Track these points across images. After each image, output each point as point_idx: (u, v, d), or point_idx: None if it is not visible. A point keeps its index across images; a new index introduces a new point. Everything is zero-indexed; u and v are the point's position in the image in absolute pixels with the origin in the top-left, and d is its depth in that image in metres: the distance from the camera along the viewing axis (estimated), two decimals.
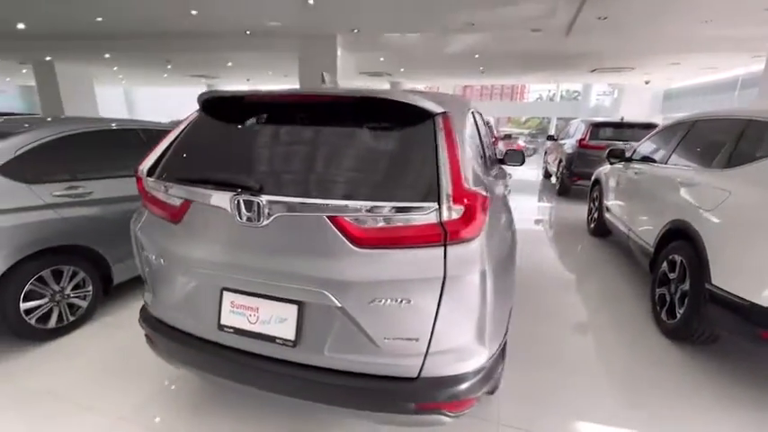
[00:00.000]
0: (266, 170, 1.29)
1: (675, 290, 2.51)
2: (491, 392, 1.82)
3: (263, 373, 1.30)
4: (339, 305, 1.18)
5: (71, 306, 2.48)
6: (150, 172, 1.48)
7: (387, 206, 1.13)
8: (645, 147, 4.01)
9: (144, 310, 1.61)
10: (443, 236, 1.15)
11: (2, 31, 8.34)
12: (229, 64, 11.86)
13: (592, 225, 5.09)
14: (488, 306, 1.22)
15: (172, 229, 1.42)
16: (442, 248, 1.16)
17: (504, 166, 3.82)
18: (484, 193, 1.25)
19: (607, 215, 4.45)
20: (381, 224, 1.16)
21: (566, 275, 3.63)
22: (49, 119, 2.87)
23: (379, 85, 18.81)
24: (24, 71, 13.55)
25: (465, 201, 1.15)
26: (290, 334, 1.26)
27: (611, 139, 7.17)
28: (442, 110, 1.30)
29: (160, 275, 1.49)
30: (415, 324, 1.18)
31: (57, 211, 2.39)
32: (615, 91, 21.65)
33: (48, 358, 2.22)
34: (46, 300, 2.34)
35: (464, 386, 1.22)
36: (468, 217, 1.16)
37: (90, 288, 2.57)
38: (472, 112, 1.98)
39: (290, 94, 1.39)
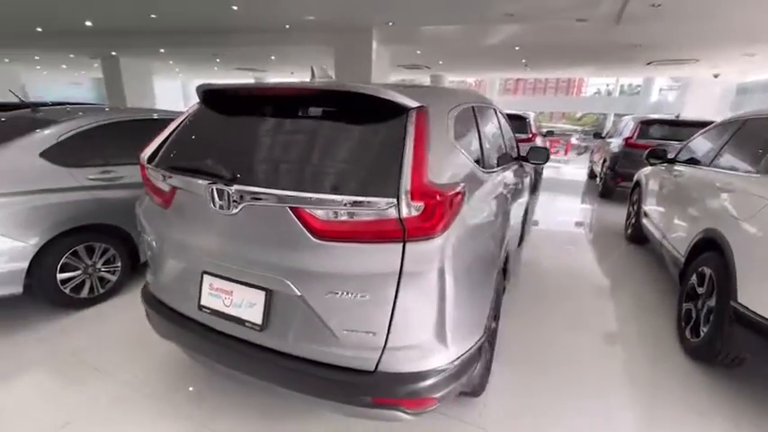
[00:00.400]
0: (240, 160, 1.35)
1: (702, 306, 2.29)
2: (473, 394, 1.78)
3: (233, 354, 1.37)
4: (299, 294, 1.21)
5: (102, 279, 2.75)
6: (150, 159, 1.60)
7: (346, 200, 1.14)
8: (691, 147, 3.66)
9: (145, 288, 1.75)
10: (402, 232, 1.14)
11: (72, 28, 9.28)
12: (272, 57, 12.30)
13: (629, 231, 4.75)
14: (450, 305, 1.20)
15: (163, 213, 1.53)
16: (401, 245, 1.15)
17: (529, 164, 3.71)
18: (453, 191, 1.22)
19: (644, 220, 4.13)
20: (343, 217, 1.17)
21: (596, 282, 3.42)
22: (86, 109, 3.17)
23: (420, 79, 18.59)
24: (95, 65, 14.93)
25: (425, 198, 1.12)
26: (257, 318, 1.32)
27: (664, 138, 6.57)
28: (417, 104, 1.27)
29: (156, 257, 1.61)
30: (372, 318, 1.18)
31: (91, 192, 2.64)
32: (680, 85, 19.77)
33: (76, 325, 2.48)
34: (79, 272, 2.61)
35: (423, 384, 1.22)
36: (428, 214, 1.14)
37: (119, 264, 2.82)
38: (473, 107, 1.92)
39: (269, 87, 1.43)
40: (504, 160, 2.54)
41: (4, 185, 2.30)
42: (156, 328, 1.66)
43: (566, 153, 16.32)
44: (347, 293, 1.16)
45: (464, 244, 1.29)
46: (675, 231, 3.03)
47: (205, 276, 1.42)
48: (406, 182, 1.12)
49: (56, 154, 2.53)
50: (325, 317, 1.21)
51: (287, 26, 8.01)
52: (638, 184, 4.74)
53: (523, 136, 6.93)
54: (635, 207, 4.66)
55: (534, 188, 7.31)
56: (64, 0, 7.05)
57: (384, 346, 1.20)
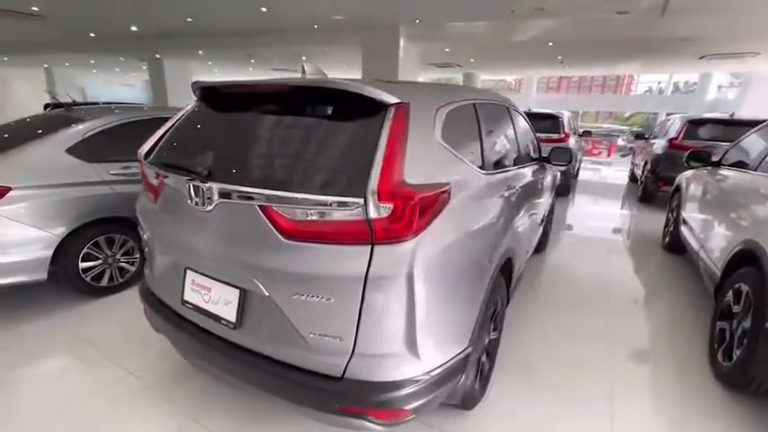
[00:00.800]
0: (218, 157, 1.35)
1: (737, 326, 2.06)
2: (463, 407, 1.70)
3: (210, 350, 1.38)
4: (267, 294, 1.19)
5: (121, 269, 2.90)
6: (147, 155, 1.65)
7: (312, 199, 1.11)
8: (738, 149, 3.31)
9: (143, 283, 1.81)
10: (370, 234, 1.09)
11: (120, 33, 9.97)
12: (303, 58, 12.55)
13: (666, 239, 4.39)
14: (421, 314, 1.14)
15: (153, 209, 1.57)
16: (369, 247, 1.10)
17: (555, 166, 3.51)
18: (429, 192, 1.15)
19: (683, 228, 3.80)
20: (311, 217, 1.14)
21: (626, 293, 3.18)
22: (118, 107, 3.36)
23: (453, 78, 18.25)
24: (144, 68, 15.95)
25: (395, 198, 1.07)
26: (232, 316, 1.32)
27: (714, 139, 6.02)
28: (397, 101, 1.22)
29: (149, 252, 1.66)
30: (338, 322, 1.14)
31: (112, 187, 2.79)
32: (741, 82, 18.07)
33: (94, 312, 2.63)
34: (100, 262, 2.77)
35: (394, 395, 1.16)
36: (398, 216, 1.08)
37: (137, 255, 2.97)
38: (474, 105, 1.82)
39: (252, 84, 1.43)
40: (516, 161, 2.41)
41: (33, 179, 2.48)
42: (150, 321, 1.71)
43: (608, 154, 15.54)
44: (313, 296, 1.13)
45: (445, 248, 1.22)
46: (713, 242, 2.76)
47: (188, 272, 1.44)
48: (375, 181, 1.07)
49: (81, 150, 2.70)
50: (293, 319, 1.19)
51: (315, 26, 8.14)
52: (678, 188, 4.37)
53: (555, 136, 6.62)
54: (674, 214, 4.30)
55: (566, 190, 6.96)
56: (111, 7, 7.57)
57: (352, 353, 1.16)
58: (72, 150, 2.67)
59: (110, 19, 8.63)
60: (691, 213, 3.65)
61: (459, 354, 1.35)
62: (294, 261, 1.15)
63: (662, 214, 5.01)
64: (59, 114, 3.08)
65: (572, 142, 6.97)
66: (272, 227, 1.17)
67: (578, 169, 8.96)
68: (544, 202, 3.39)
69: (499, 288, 1.81)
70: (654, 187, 6.46)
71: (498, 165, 1.99)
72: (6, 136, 2.84)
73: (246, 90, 1.49)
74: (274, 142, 1.32)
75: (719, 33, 7.22)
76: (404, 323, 1.13)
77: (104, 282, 2.81)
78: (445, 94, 1.55)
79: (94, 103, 3.89)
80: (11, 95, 19.11)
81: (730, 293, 2.20)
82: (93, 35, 10.91)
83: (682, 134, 6.26)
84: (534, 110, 7.31)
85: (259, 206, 1.18)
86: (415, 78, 9.47)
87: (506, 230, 1.79)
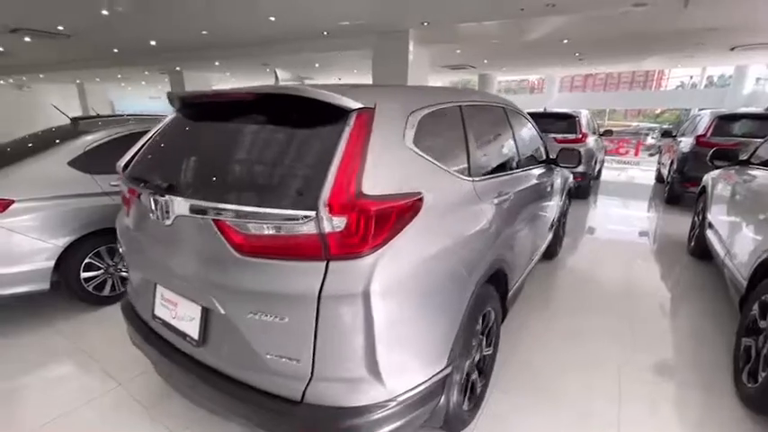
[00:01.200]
0: (178, 170, 1.33)
1: (763, 344, 1.86)
2: (449, 430, 1.59)
3: (176, 366, 1.34)
4: (223, 312, 1.14)
5: (123, 279, 2.95)
6: (124, 168, 1.65)
7: (264, 213, 1.05)
8: None
9: (125, 297, 1.80)
10: (324, 250, 1.02)
11: (141, 48, 10.39)
12: (317, 65, 12.71)
13: (692, 243, 4.12)
14: (382, 335, 1.06)
15: (128, 223, 1.56)
16: (323, 264, 1.03)
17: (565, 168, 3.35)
18: (392, 203, 1.07)
19: (708, 232, 3.54)
20: (265, 232, 1.08)
21: (645, 301, 2.97)
22: (124, 119, 3.44)
23: (471, 80, 18.01)
24: (166, 80, 16.57)
25: (348, 211, 1.00)
26: (195, 333, 1.28)
27: (747, 135, 5.64)
28: (359, 106, 1.15)
29: (127, 266, 1.66)
30: (294, 344, 1.08)
31: (113, 198, 2.84)
32: None
33: (93, 322, 2.68)
34: (102, 271, 2.83)
35: (356, 421, 1.09)
36: (353, 230, 1.01)
37: None
38: (461, 108, 1.74)
39: (214, 93, 1.40)
40: (515, 164, 2.29)
41: (35, 192, 2.56)
42: (129, 335, 1.70)
43: (636, 154, 14.96)
44: (267, 315, 1.08)
45: (414, 262, 1.14)
46: (739, 248, 2.54)
47: (157, 287, 1.42)
48: (327, 193, 1.00)
49: (82, 162, 2.77)
50: (250, 339, 1.14)
51: (324, 33, 8.20)
52: (704, 189, 4.09)
53: (572, 136, 6.38)
54: (699, 216, 4.03)
55: (586, 193, 6.68)
56: (129, 24, 7.90)
57: (311, 376, 1.09)
58: (73, 163, 2.74)
59: (129, 35, 9.01)
60: (716, 216, 3.40)
61: (435, 375, 1.26)
62: (248, 278, 1.10)
63: (689, 217, 4.71)
64: (65, 128, 3.19)
65: (591, 142, 6.70)
66: (226, 242, 1.12)
67: (600, 170, 8.62)
68: (553, 205, 3.23)
69: (489, 301, 1.71)
70: (680, 188, 6.11)
71: (490, 170, 1.88)
72: (13, 150, 2.95)
73: (210, 100, 1.46)
74: (232, 153, 1.28)
75: (750, 22, 6.78)
76: (363, 345, 1.05)
77: (106, 291, 2.87)
78: (421, 97, 1.47)
79: (119, 116, 4.09)
80: (45, 110, 20.31)
81: (756, 306, 2.00)
82: (116, 51, 11.42)
83: (710, 131, 5.89)
84: (550, 110, 7.10)
85: (213, 220, 1.13)
86: (426, 82, 9.36)
87: (497, 239, 1.69)
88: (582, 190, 6.56)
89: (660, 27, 7.16)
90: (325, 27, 7.75)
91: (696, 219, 4.16)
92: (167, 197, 1.22)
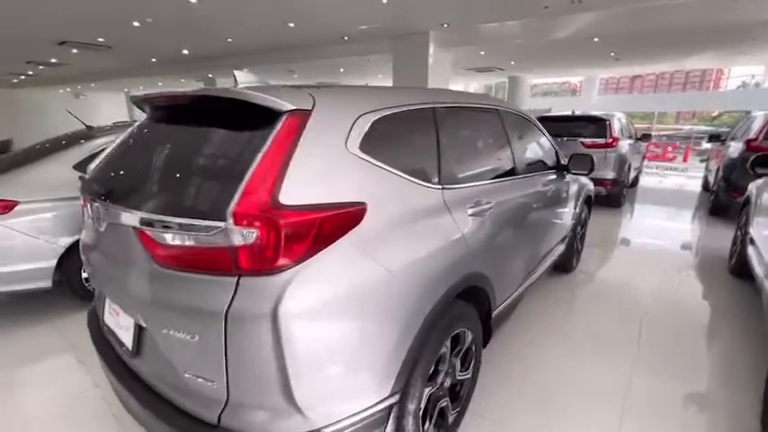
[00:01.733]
0: (115, 177, 1.31)
1: None
2: None
3: (115, 375, 1.31)
4: (144, 325, 1.10)
5: None
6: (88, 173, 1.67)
7: (175, 222, 1.00)
8: None
9: (92, 303, 1.82)
10: (234, 264, 0.95)
11: (175, 57, 10.98)
12: (341, 70, 12.87)
13: (732, 260, 3.70)
14: (298, 362, 0.97)
15: (83, 228, 1.58)
16: (235, 279, 0.96)
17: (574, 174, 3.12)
18: (314, 215, 0.99)
19: (750, 249, 3.16)
20: (180, 243, 1.03)
21: (670, 325, 2.67)
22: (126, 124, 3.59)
23: (502, 83, 17.50)
24: (202, 86, 17.45)
25: (258, 222, 0.92)
26: (130, 342, 1.25)
27: None
28: (291, 108, 1.08)
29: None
30: (208, 365, 1.02)
31: None
32: None
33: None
34: None
35: None
36: (263, 244, 0.93)
37: None
38: (434, 109, 1.63)
39: (155, 96, 1.36)
40: (507, 171, 2.13)
41: (39, 194, 2.70)
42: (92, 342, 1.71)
43: (684, 159, 13.97)
44: (178, 331, 1.02)
45: (347, 281, 1.05)
46: None
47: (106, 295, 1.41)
48: (234, 202, 0.93)
49: (86, 166, 2.88)
50: (169, 355, 1.08)
51: (345, 38, 8.27)
52: (748, 200, 3.67)
53: (601, 141, 6.00)
54: (742, 230, 3.61)
55: (617, 201, 6.23)
56: (162, 35, 8.38)
57: (227, 400, 1.02)
58: (78, 166, 2.87)
59: (163, 44, 9.54)
60: (759, 231, 3.02)
61: (375, 405, 1.15)
62: (163, 290, 1.05)
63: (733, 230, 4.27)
64: (78, 133, 3.36)
65: (624, 147, 6.26)
66: (145, 252, 1.08)
67: (636, 177, 8.06)
68: (565, 215, 3.00)
69: (463, 321, 1.57)
70: (726, 198, 5.54)
71: (468, 177, 1.75)
72: (24, 154, 3.14)
73: (153, 102, 1.43)
74: (161, 159, 1.25)
75: None
76: (275, 371, 0.96)
77: None
78: (379, 99, 1.38)
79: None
80: (97, 118, 22.00)
81: None
82: (154, 60, 12.15)
83: (762, 134, 5.31)
84: (578, 113, 6.74)
85: (134, 228, 1.10)
86: (447, 85, 9.18)
87: (471, 252, 1.55)
88: (613, 198, 6.13)
89: (698, 22, 6.58)
90: (344, 32, 7.81)
91: (738, 233, 3.74)
92: (97, 204, 1.20)
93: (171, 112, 1.35)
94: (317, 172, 1.08)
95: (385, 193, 1.26)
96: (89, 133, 3.16)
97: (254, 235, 0.93)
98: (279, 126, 1.05)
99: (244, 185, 0.95)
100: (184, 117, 1.30)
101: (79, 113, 4.10)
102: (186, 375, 1.06)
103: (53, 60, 12.07)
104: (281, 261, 0.95)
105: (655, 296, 3.15)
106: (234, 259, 0.95)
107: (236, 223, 0.92)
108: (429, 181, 1.48)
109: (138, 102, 1.47)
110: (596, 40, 8.05)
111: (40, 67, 12.85)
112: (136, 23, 7.20)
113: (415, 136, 1.53)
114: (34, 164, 2.81)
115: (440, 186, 1.52)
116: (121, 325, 1.31)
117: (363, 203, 1.15)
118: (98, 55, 10.61)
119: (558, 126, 6.29)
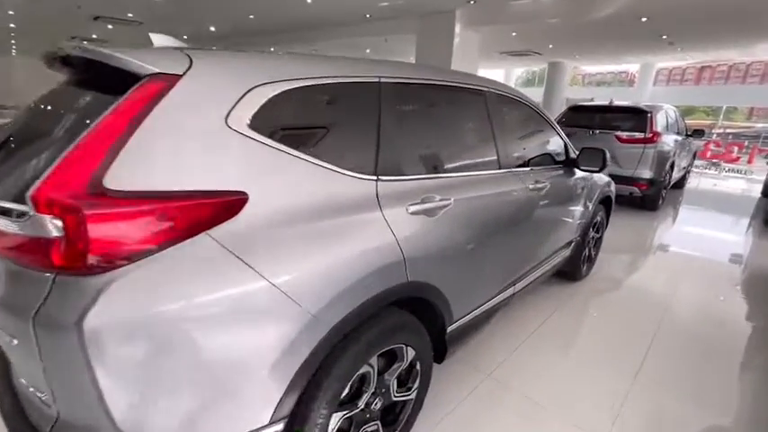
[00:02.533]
0: (7, 154, 1.17)
1: None
2: None
3: None
4: None
5: None
6: None
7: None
8: None
9: None
10: (47, 258, 0.79)
11: (202, 34, 11.17)
12: (367, 50, 12.51)
13: None
14: (116, 384, 0.81)
15: None
16: (51, 277, 0.80)
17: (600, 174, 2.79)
18: (144, 206, 0.81)
19: None
20: (5, 229, 0.88)
21: (704, 349, 2.34)
22: None
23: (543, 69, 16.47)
24: None
25: (60, 210, 0.76)
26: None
27: None
28: (155, 71, 0.89)
29: None
30: (33, 374, 0.88)
31: None
32: None
33: None
34: None
35: None
36: (71, 237, 0.77)
37: None
38: (380, 84, 1.40)
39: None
40: (485, 163, 1.86)
41: None
42: None
43: (750, 161, 12.67)
44: (4, 333, 0.88)
45: (200, 286, 0.87)
46: None
47: None
48: (38, 183, 0.77)
49: None
50: (10, 358, 0.96)
51: (367, 15, 7.94)
52: None
53: (639, 135, 5.42)
54: None
55: (653, 204, 5.63)
56: (188, 11, 8.46)
57: (57, 416, 0.88)
58: None
59: (190, 21, 9.67)
60: None
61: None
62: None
63: None
64: None
65: (667, 143, 5.63)
66: None
67: (684, 177, 7.31)
68: (569, 217, 2.66)
69: (402, 334, 1.36)
70: None
71: (421, 167, 1.50)
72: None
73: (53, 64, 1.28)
74: (29, 134, 1.10)
75: None
76: (93, 392, 0.80)
77: None
78: (289, 68, 1.16)
79: None
80: None
81: None
82: (185, 37, 12.42)
83: None
84: (617, 103, 6.13)
85: None
86: (475, 69, 8.61)
87: (410, 257, 1.32)
88: (648, 201, 5.56)
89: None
90: (366, 9, 7.49)
91: None
92: None
93: (68, 78, 1.20)
94: (174, 152, 0.89)
95: (281, 182, 1.05)
96: None
97: (62, 226, 0.77)
98: (129, 93, 0.87)
99: (55, 165, 0.78)
100: (72, 83, 1.15)
101: None
102: (23, 382, 0.93)
103: (94, 36, 12.65)
104: (92, 260, 0.77)
105: (700, 310, 2.77)
106: (45, 253, 0.79)
107: (37, 209, 0.76)
108: (358, 170, 1.25)
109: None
110: (644, 20, 7.16)
111: (84, 42, 13.56)
112: None
113: (345, 114, 1.29)
114: None
115: (374, 177, 1.29)
116: None
117: (243, 193, 0.96)
118: (131, 30, 10.97)
119: (591, 117, 5.78)
